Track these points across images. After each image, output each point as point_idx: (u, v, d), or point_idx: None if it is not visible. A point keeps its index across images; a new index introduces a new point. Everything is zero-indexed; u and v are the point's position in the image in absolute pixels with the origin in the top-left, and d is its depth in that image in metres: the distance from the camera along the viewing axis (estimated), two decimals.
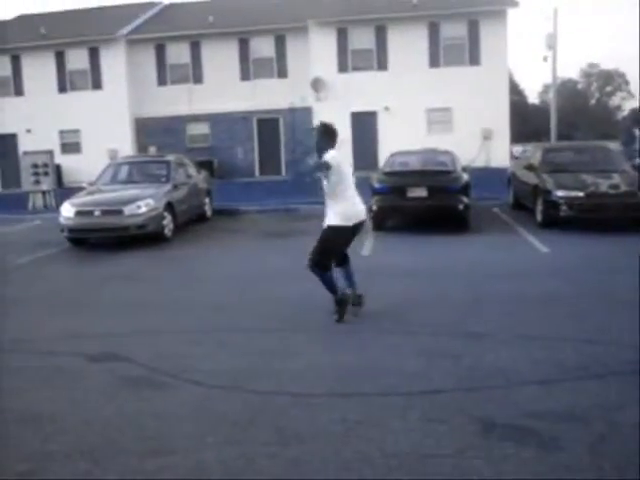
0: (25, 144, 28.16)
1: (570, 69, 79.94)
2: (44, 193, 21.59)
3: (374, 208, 12.80)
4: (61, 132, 29.54)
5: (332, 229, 6.63)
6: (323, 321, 6.77)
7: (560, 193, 12.27)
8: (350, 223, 6.63)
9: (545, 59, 30.52)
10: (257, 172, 29.41)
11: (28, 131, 29.29)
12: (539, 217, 12.93)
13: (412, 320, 6.85)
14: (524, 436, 4.11)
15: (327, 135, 6.66)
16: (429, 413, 4.50)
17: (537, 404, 4.59)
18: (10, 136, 29.86)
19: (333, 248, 6.69)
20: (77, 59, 29.58)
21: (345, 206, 6.62)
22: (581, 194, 12.15)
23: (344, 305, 6.71)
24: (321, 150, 6.58)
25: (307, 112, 27.32)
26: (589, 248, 10.67)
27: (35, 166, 21.76)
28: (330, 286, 6.71)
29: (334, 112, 26.31)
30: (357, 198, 6.82)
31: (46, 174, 21.72)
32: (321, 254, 6.62)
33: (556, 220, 12.39)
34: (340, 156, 6.64)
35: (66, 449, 4.22)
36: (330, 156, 6.44)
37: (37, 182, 21.70)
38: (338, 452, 4.01)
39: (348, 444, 4.11)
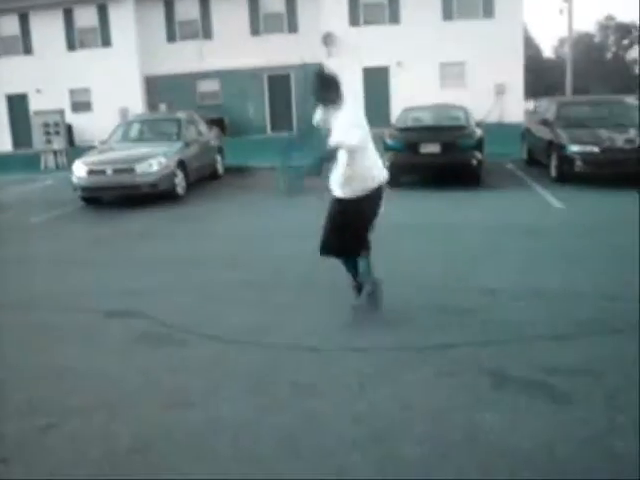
0: (35, 104, 28.07)
1: (586, 22, 78.38)
2: (56, 152, 21.61)
3: (387, 164, 12.69)
4: (71, 91, 29.41)
5: (350, 202, 5.40)
6: (336, 277, 6.78)
7: (575, 148, 12.14)
8: (374, 184, 5.43)
9: (561, 12, 29.99)
10: (269, 129, 29.23)
11: (38, 91, 29.18)
12: (553, 173, 12.82)
13: (425, 275, 6.85)
14: (537, 389, 4.14)
15: (333, 85, 5.35)
16: (442, 367, 4.54)
17: (551, 358, 4.61)
18: (20, 96, 29.78)
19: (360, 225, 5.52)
20: (86, 16, 29.29)
21: (364, 168, 5.37)
22: (596, 149, 12.01)
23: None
24: (324, 98, 5.39)
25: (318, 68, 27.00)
26: (604, 204, 10.59)
27: (46, 125, 21.76)
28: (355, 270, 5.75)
29: (345, 67, 26.09)
30: (375, 157, 5.54)
31: (57, 133, 21.72)
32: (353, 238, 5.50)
33: (570, 176, 12.27)
34: (357, 114, 5.44)
35: (85, 403, 4.30)
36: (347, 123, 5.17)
37: (48, 142, 21.72)
38: (353, 405, 4.06)
39: (362, 397, 4.16)
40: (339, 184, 5.44)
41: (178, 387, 4.47)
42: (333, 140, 5.14)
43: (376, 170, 5.49)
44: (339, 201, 5.47)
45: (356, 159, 5.26)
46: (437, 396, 4.12)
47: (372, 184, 5.42)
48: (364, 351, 4.90)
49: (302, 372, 4.59)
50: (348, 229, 5.45)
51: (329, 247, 5.57)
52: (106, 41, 29.27)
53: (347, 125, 5.16)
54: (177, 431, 3.87)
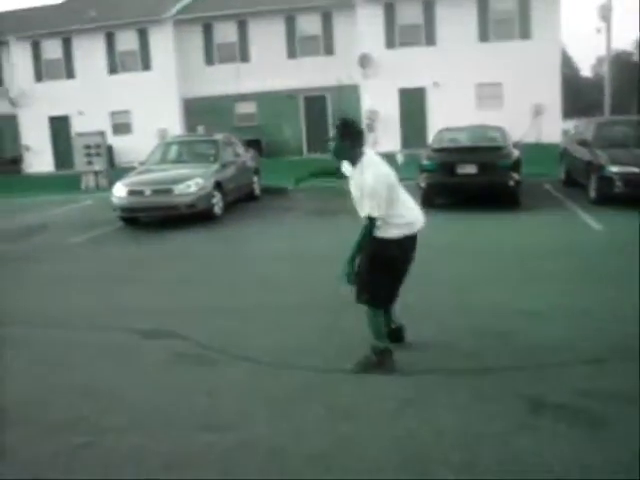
0: (77, 125, 28.67)
1: (624, 40, 77.47)
2: (96, 173, 21.99)
3: (423, 185, 12.70)
4: (112, 113, 29.97)
5: (384, 243, 4.90)
6: None
7: (614, 169, 11.97)
8: (406, 232, 4.95)
9: (598, 31, 29.64)
10: (305, 150, 29.40)
11: (80, 113, 29.78)
12: (592, 194, 12.64)
13: (462, 297, 6.79)
14: (575, 415, 4.07)
15: (350, 135, 4.81)
16: (480, 392, 4.48)
17: (590, 383, 4.53)
18: (63, 118, 30.44)
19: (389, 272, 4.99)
20: (126, 40, 29.90)
21: (399, 213, 4.92)
22: (636, 170, 11.82)
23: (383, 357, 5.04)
24: (343, 156, 4.94)
25: (354, 89, 27.16)
26: None
27: (87, 147, 22.18)
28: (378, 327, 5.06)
29: (382, 89, 26.22)
30: (409, 202, 5.08)
31: (98, 155, 22.12)
32: (375, 283, 4.95)
33: (610, 197, 12.09)
34: (381, 168, 4.86)
35: (120, 423, 4.34)
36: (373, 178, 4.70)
37: (89, 163, 22.12)
38: (388, 429, 4.03)
39: (398, 421, 4.13)
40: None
41: (212, 408, 4.48)
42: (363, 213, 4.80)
43: (410, 216, 5.03)
44: (375, 240, 4.88)
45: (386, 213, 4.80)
46: (473, 421, 4.07)
47: (408, 230, 4.96)
48: (401, 374, 4.86)
49: (337, 395, 4.57)
50: (380, 273, 4.95)
51: (364, 295, 4.98)
52: (146, 64, 29.82)
53: (371, 193, 4.70)
54: (210, 453, 3.88)
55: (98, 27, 29.61)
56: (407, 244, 5.00)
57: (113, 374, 5.23)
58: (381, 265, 4.91)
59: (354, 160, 4.87)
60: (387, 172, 4.85)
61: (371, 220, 4.75)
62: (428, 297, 6.79)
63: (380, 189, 4.70)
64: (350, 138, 4.80)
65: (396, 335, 5.41)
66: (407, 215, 4.98)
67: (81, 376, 5.23)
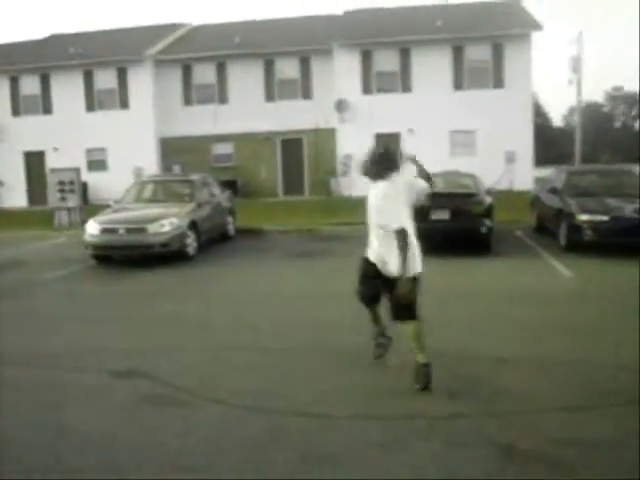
0: (52, 161, 28.55)
1: (595, 92, 79.60)
2: (70, 210, 21.84)
3: None
4: (88, 150, 29.93)
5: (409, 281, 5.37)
6: (346, 342, 6.77)
7: (584, 217, 12.19)
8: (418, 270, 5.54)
9: (570, 82, 30.51)
10: (281, 192, 29.55)
11: (55, 149, 29.72)
12: (562, 241, 12.85)
13: (434, 342, 6.81)
14: (547, 462, 4.09)
15: (389, 161, 5.52)
16: (452, 437, 4.49)
17: (561, 430, 4.56)
18: (38, 153, 30.32)
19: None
20: (105, 79, 30.04)
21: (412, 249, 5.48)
22: (605, 218, 12.06)
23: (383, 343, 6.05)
24: (376, 176, 5.52)
25: (331, 133, 27.50)
26: (613, 273, 10.58)
27: (62, 183, 21.98)
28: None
29: (358, 133, 26.55)
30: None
31: (72, 191, 21.93)
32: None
33: (580, 244, 12.29)
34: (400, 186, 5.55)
35: (90, 464, 4.27)
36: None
37: (63, 199, 21.91)
38: (360, 474, 4.02)
39: (371, 467, 4.12)
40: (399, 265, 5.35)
41: (181, 450, 4.43)
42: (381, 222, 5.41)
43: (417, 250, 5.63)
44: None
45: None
46: (447, 466, 4.07)
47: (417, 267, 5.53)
48: (374, 419, 4.86)
49: (310, 441, 4.55)
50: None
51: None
52: (124, 103, 29.93)
53: (390, 204, 5.38)
54: None
55: (77, 64, 29.74)
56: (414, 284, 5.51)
57: (83, 415, 5.15)
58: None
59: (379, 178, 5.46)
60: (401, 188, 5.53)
61: (401, 233, 5.30)
62: (398, 340, 6.81)
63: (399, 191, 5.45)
64: (392, 162, 5.48)
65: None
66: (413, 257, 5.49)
67: (51, 416, 5.15)
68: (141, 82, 29.67)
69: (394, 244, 5.33)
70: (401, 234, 5.28)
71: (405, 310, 5.45)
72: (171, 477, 4.06)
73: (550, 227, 14.19)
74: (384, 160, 5.48)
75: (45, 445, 4.62)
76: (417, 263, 5.53)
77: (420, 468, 4.07)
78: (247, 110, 28.72)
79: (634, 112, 75.99)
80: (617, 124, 75.96)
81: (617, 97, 75.42)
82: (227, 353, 6.71)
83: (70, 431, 4.84)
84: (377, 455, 4.27)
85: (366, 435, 4.58)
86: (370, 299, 5.91)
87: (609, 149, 58.14)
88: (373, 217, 5.57)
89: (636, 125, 75.67)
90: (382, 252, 5.56)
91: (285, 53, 28.78)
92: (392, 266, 5.41)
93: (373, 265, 5.66)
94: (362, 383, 5.65)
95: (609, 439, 4.39)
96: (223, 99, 29.66)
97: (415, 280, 5.46)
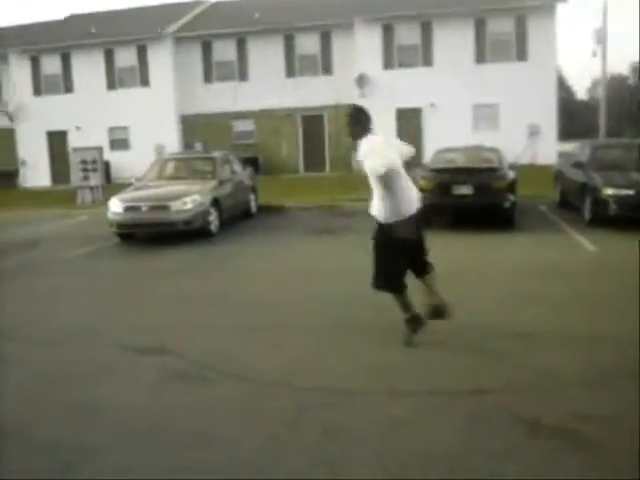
0: (74, 141, 28.76)
1: (620, 64, 78.26)
2: (92, 189, 22.02)
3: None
4: (110, 129, 30.10)
5: (388, 227, 5.66)
6: (370, 318, 6.77)
7: (609, 191, 12.04)
8: (407, 214, 5.64)
9: (594, 54, 29.94)
10: (302, 168, 29.51)
11: (77, 128, 29.90)
12: (587, 215, 12.71)
13: (458, 319, 6.80)
14: (569, 438, 4.07)
15: (361, 120, 5.75)
16: (474, 413, 4.49)
17: (586, 406, 4.54)
18: (60, 133, 30.55)
19: (396, 254, 5.71)
20: (125, 57, 30.10)
21: (399, 196, 5.62)
22: (631, 192, 11.90)
23: (415, 326, 5.94)
24: (357, 137, 5.72)
25: None
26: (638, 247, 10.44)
27: (84, 162, 22.22)
28: (402, 304, 5.94)
29: (379, 109, 26.31)
30: (409, 184, 5.83)
31: (95, 170, 22.15)
32: (384, 266, 5.76)
33: (605, 219, 12.16)
34: (381, 140, 5.80)
35: (112, 440, 4.33)
36: (369, 150, 5.59)
37: (86, 178, 22.15)
38: (384, 450, 4.03)
39: (394, 442, 4.13)
40: (380, 210, 5.72)
41: (202, 427, 4.47)
42: (367, 168, 5.53)
43: (413, 192, 5.82)
44: (382, 226, 5.73)
45: (393, 181, 5.59)
46: (469, 443, 4.07)
47: (412, 208, 5.70)
48: (397, 395, 4.87)
49: (332, 416, 4.57)
50: (394, 256, 5.70)
51: (382, 281, 5.80)
52: (144, 81, 29.99)
53: (370, 152, 5.57)
54: (196, 472, 3.87)
55: (97, 43, 29.82)
56: (410, 224, 5.63)
57: (107, 392, 5.21)
58: (391, 249, 5.64)
59: (359, 136, 5.71)
60: (383, 142, 5.77)
61: (381, 178, 5.45)
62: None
63: (372, 152, 5.53)
64: (362, 121, 5.71)
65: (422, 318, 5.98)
66: (405, 199, 5.66)
67: (75, 393, 5.22)
68: (161, 60, 29.70)
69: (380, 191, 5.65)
70: (382, 179, 5.50)
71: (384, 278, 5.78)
72: (192, 454, 4.10)
73: (574, 202, 14.04)
74: (359, 118, 5.75)
75: (61, 422, 4.70)
76: (411, 205, 5.72)
77: (443, 442, 4.07)
78: (267, 87, 28.65)
79: None
80: None
81: None
82: (250, 330, 6.73)
83: (90, 407, 4.90)
84: (400, 430, 4.28)
85: (389, 410, 4.58)
86: (396, 285, 5.88)
87: (634, 122, 57.17)
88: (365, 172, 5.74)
89: None
90: (376, 203, 5.81)
91: (305, 28, 28.60)
92: (374, 210, 5.78)
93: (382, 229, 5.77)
94: (386, 359, 5.65)
95: (624, 415, 4.35)
96: (243, 76, 29.59)
97: (409, 220, 5.65)
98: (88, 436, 4.42)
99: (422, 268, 6.07)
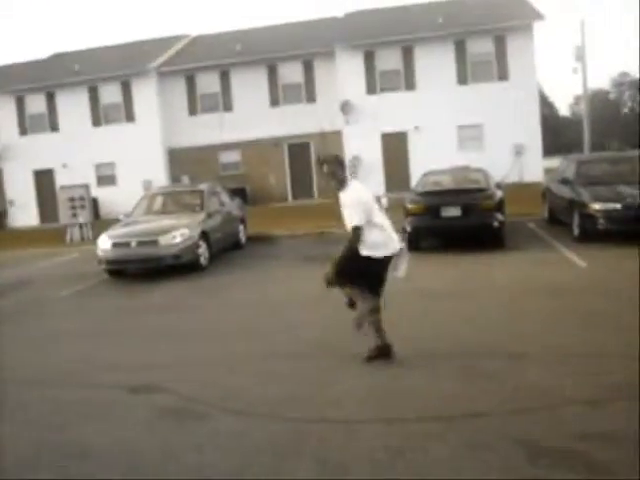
0: (62, 179, 28.73)
1: (601, 79, 79.30)
2: (81, 226, 21.96)
3: (408, 229, 12.76)
4: (96, 165, 30.10)
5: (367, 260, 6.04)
6: (357, 347, 6.72)
7: (597, 206, 12.10)
8: (379, 254, 6.00)
9: (575, 70, 30.32)
10: (290, 197, 29.55)
11: (64, 166, 29.89)
12: (576, 231, 12.75)
13: (451, 339, 6.77)
14: (572, 459, 4.02)
15: (341, 166, 6.15)
16: (471, 438, 4.43)
17: (584, 425, 4.49)
18: (47, 171, 30.54)
19: (354, 270, 6.02)
20: (110, 93, 30.20)
21: (374, 237, 5.98)
22: (618, 206, 11.96)
23: (381, 354, 6.19)
24: (341, 183, 6.08)
25: (337, 135, 27.46)
26: (628, 262, 10.46)
27: (72, 200, 22.18)
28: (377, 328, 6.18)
29: (364, 134, 26.53)
30: (387, 229, 6.15)
31: (83, 207, 22.10)
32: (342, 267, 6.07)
33: (593, 234, 12.20)
34: (361, 189, 6.13)
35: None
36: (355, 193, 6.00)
37: (74, 215, 22.09)
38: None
39: (391, 471, 4.07)
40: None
41: (201, 464, 4.40)
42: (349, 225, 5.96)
43: (387, 239, 6.08)
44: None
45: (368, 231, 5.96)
46: (468, 471, 4.02)
47: (380, 252, 6.01)
48: (391, 422, 4.81)
49: (328, 447, 4.50)
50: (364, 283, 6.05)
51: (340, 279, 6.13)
52: (130, 116, 30.07)
53: (354, 205, 5.93)
54: None
55: (81, 81, 29.93)
56: (387, 263, 6.09)
57: (100, 433, 5.13)
58: (364, 277, 6.01)
59: (344, 185, 6.08)
60: (365, 193, 6.08)
61: (355, 230, 5.87)
62: (415, 338, 6.78)
63: (357, 203, 5.90)
64: (340, 168, 6.10)
65: (385, 351, 6.18)
66: (385, 240, 6.03)
67: (67, 434, 5.14)
68: (146, 95, 29.80)
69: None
70: (352, 231, 5.91)
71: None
72: None
73: (562, 218, 14.09)
74: (342, 167, 6.16)
75: (60, 463, 4.61)
76: (385, 245, 6.05)
77: (439, 470, 4.01)
78: (252, 117, 28.77)
79: None
80: (624, 110, 75.50)
81: (623, 83, 75.08)
82: (242, 362, 6.68)
83: (86, 449, 4.82)
84: (394, 459, 4.21)
85: (383, 439, 4.52)
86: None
87: (617, 136, 57.75)
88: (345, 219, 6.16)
89: None
90: None
91: (287, 58, 28.80)
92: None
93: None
94: (376, 385, 5.60)
95: (626, 433, 4.31)
96: (228, 107, 29.72)
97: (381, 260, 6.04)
98: (92, 475, 4.36)
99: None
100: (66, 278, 13.70)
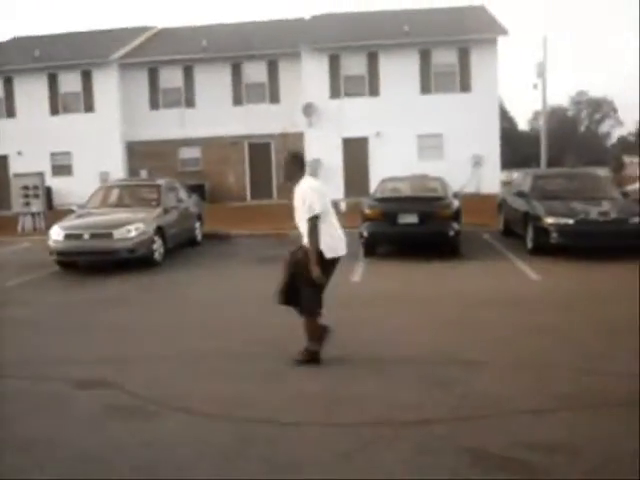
0: (16, 166, 28.08)
1: (560, 96, 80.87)
2: (34, 215, 21.50)
3: (365, 234, 12.80)
4: (52, 154, 29.48)
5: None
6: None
7: (550, 220, 12.31)
8: (328, 255, 6.00)
9: (535, 86, 30.83)
10: (249, 196, 29.40)
11: (19, 153, 29.23)
12: (529, 244, 12.95)
13: (405, 347, 6.80)
14: (516, 467, 4.07)
15: (297, 163, 6.31)
16: (422, 443, 4.45)
17: (530, 434, 4.55)
18: (1, 158, 29.80)
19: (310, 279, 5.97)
20: (70, 82, 29.62)
21: (324, 236, 5.98)
22: (571, 221, 12.19)
23: (309, 359, 6.25)
24: (292, 178, 6.25)
25: (299, 137, 27.42)
26: (580, 275, 10.69)
27: (25, 188, 21.68)
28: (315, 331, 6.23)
29: (325, 137, 26.56)
30: (338, 230, 6.24)
31: (36, 196, 21.63)
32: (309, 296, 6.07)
33: (546, 247, 12.41)
34: (316, 183, 6.28)
35: (52, 476, 4.15)
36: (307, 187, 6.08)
37: (27, 204, 21.61)
38: None
39: (337, 475, 4.06)
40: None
41: (147, 462, 4.33)
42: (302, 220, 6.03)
43: (337, 240, 6.17)
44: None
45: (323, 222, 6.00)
46: (414, 474, 4.03)
47: (331, 253, 6.04)
48: (342, 426, 4.80)
49: (277, 448, 4.47)
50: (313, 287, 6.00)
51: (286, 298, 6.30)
52: (89, 106, 29.55)
53: (311, 194, 6.00)
54: None
55: (41, 67, 29.30)
56: (334, 264, 6.12)
57: (46, 427, 5.01)
58: (312, 281, 5.91)
59: (299, 181, 6.17)
60: (320, 186, 6.22)
61: (311, 220, 5.90)
62: (370, 346, 6.79)
63: (312, 192, 6.00)
64: (299, 165, 6.27)
65: (315, 357, 6.23)
66: (334, 241, 6.09)
67: (12, 429, 5.01)
68: (106, 85, 29.31)
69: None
70: (311, 221, 5.93)
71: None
72: None
73: (517, 230, 14.31)
74: (296, 163, 6.30)
75: (7, 458, 4.49)
76: (335, 247, 6.09)
77: (388, 475, 4.02)
78: (214, 114, 28.55)
79: (597, 116, 77.37)
80: (581, 128, 77.19)
81: (581, 102, 76.78)
82: (193, 360, 6.61)
83: (32, 443, 4.70)
84: (343, 463, 4.20)
85: (333, 443, 4.51)
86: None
87: (574, 153, 58.94)
88: (296, 216, 6.24)
89: (599, 129, 77.06)
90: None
91: (252, 57, 28.67)
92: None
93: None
94: (327, 388, 5.59)
95: (569, 443, 4.38)
96: (190, 103, 29.44)
97: (329, 261, 6.04)
98: (33, 471, 4.24)
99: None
100: (15, 268, 13.40)
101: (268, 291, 9.93)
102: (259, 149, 29.05)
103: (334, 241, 6.09)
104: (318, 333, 6.15)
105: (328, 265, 6.02)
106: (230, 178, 29.15)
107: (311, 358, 6.18)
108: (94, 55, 29.36)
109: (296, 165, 6.28)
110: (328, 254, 5.99)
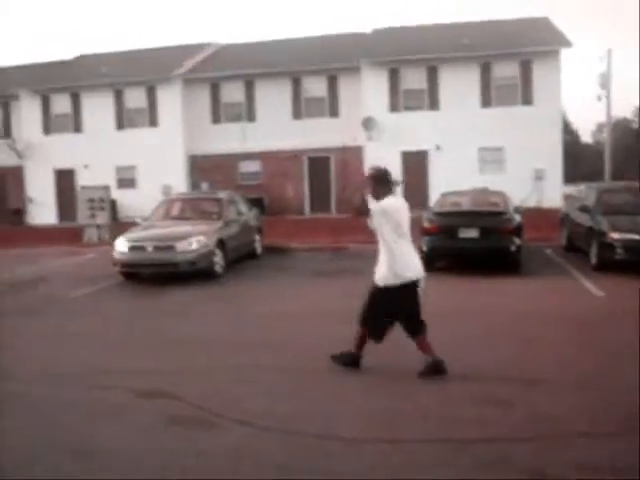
0: (82, 179, 28.96)
1: (624, 108, 78.87)
2: (99, 227, 22.09)
3: (424, 249, 12.70)
4: (117, 168, 30.28)
5: (377, 288, 6.25)
6: (371, 363, 6.69)
7: (615, 235, 12.01)
8: (397, 282, 6.10)
9: (599, 98, 30.21)
10: (307, 210, 29.57)
11: (86, 166, 30.11)
12: (593, 260, 12.65)
13: (465, 364, 6.72)
14: None
15: (380, 181, 6.25)
16: (480, 462, 4.39)
17: (590, 456, 4.43)
18: (68, 171, 30.76)
19: (375, 310, 6.23)
20: (135, 97, 30.44)
21: (396, 261, 6.08)
22: (637, 237, 11.86)
23: (345, 361, 6.53)
24: (377, 198, 6.14)
25: (358, 151, 27.49)
26: None
27: (91, 200, 22.33)
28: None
29: (385, 151, 26.51)
30: (412, 253, 6.25)
31: (102, 209, 22.25)
32: (364, 316, 6.34)
33: (611, 263, 12.10)
34: (398, 203, 6.26)
35: None
36: (379, 205, 6.09)
37: (93, 216, 22.24)
38: None
39: None
40: (380, 273, 6.21)
41: (205, 472, 4.39)
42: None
43: (413, 263, 6.21)
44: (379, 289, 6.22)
45: (396, 244, 6.06)
46: None
47: (409, 275, 6.12)
48: (399, 443, 4.78)
49: (332, 464, 4.48)
50: (398, 313, 6.21)
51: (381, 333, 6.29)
52: (153, 121, 30.29)
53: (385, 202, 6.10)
54: None
55: (107, 83, 30.18)
56: (405, 291, 6.12)
57: (106, 435, 5.13)
58: (380, 308, 6.16)
59: (383, 199, 6.14)
60: (398, 206, 6.19)
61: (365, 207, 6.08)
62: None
63: (388, 208, 6.04)
64: (386, 182, 6.25)
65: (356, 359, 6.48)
66: (404, 266, 6.10)
67: (74, 436, 5.14)
68: (170, 100, 30.01)
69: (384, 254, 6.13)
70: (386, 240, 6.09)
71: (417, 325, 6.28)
72: None
73: (580, 246, 14.00)
74: (384, 180, 6.27)
75: (62, 464, 4.61)
76: (410, 270, 6.14)
77: None
78: (274, 128, 28.87)
79: None
80: None
81: None
82: (253, 373, 6.66)
83: (93, 451, 4.82)
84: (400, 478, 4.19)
85: (390, 459, 4.49)
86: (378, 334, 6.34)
87: (638, 166, 57.35)
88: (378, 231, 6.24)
89: None
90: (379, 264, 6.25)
91: (312, 71, 28.91)
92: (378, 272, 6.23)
93: (381, 291, 6.21)
94: (386, 405, 5.57)
95: (632, 467, 4.25)
96: (251, 117, 29.86)
97: (407, 288, 6.14)
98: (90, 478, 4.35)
99: (415, 329, 6.33)
100: (81, 278, 13.77)
101: (326, 305, 10.01)
102: (318, 163, 29.22)
103: (406, 265, 6.14)
104: (428, 347, 6.29)
105: (396, 292, 6.11)
106: (289, 191, 29.37)
107: (436, 369, 6.19)
108: (158, 71, 30.10)
109: (383, 182, 6.25)
110: (396, 280, 6.09)
